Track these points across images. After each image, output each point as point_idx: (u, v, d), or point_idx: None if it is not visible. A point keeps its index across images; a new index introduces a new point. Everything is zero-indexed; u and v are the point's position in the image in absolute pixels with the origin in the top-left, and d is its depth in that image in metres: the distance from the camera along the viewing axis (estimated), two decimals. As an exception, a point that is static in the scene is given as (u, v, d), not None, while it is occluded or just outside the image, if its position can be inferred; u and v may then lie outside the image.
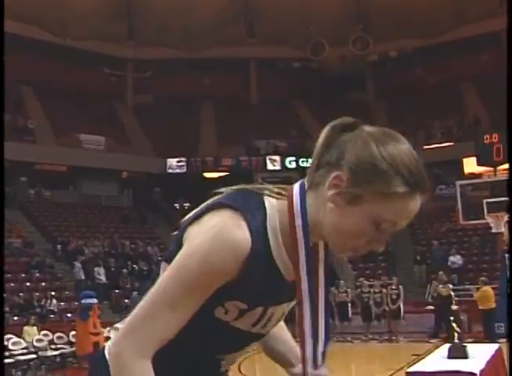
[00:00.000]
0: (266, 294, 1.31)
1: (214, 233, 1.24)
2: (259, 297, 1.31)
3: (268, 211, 1.32)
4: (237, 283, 1.27)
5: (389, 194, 1.21)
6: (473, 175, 21.64)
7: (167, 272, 1.30)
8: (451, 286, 11.34)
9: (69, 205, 23.46)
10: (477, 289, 15.60)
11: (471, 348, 7.00)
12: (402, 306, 15.96)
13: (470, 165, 22.98)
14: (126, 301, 17.08)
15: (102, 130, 25.35)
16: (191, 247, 1.27)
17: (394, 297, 16.01)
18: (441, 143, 26.59)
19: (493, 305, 13.00)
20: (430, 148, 26.51)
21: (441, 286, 15.47)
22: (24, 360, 11.72)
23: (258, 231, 1.27)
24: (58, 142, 24.46)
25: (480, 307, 14.03)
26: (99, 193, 24.84)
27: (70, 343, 12.96)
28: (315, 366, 1.42)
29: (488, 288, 14.08)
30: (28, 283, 17.10)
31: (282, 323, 1.61)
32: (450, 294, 15.35)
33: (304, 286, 1.32)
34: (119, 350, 1.26)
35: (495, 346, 7.97)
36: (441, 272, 16.29)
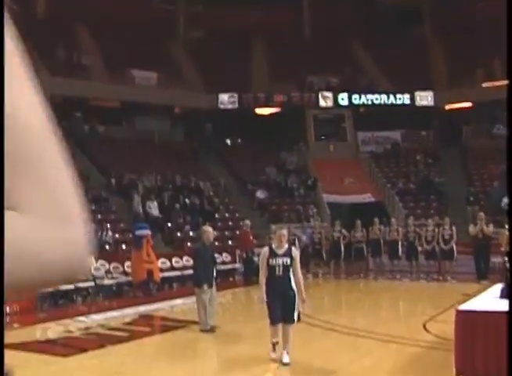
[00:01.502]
0: None
1: None
2: None
3: None
4: None
5: None
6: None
7: None
8: (507, 227, 11.08)
9: (122, 141, 23.82)
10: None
11: (524, 289, 6.93)
12: (455, 247, 15.81)
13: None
14: (178, 234, 17.48)
15: (154, 66, 25.36)
16: None
17: (447, 237, 15.86)
18: (500, 81, 25.63)
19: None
20: (489, 86, 25.63)
21: (484, 226, 15.27)
22: (84, 288, 12.26)
23: None
24: (111, 78, 24.64)
25: None
26: (151, 129, 25.10)
27: (125, 273, 13.45)
28: None
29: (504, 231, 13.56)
30: (85, 216, 17.62)
31: None
32: (491, 235, 15.15)
33: None
34: None
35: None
36: (481, 213, 16.04)
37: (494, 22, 25.50)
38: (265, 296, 6.89)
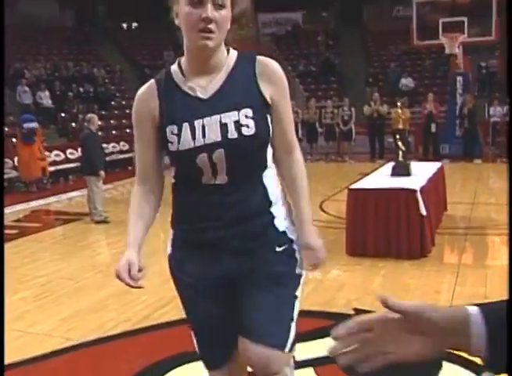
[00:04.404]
0: (180, 112, 1.92)
1: (135, 98, 2.03)
2: (177, 114, 1.93)
3: (172, 66, 2.01)
4: (162, 113, 1.95)
5: None
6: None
7: None
8: (399, 105, 11.21)
9: (6, 27, 21.86)
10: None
11: (414, 166, 7.06)
12: (353, 128, 16.02)
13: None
14: (73, 124, 16.66)
15: None
16: None
17: (346, 118, 15.98)
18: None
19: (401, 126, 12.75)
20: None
21: (380, 106, 15.53)
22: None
23: (161, 74, 2.00)
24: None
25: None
26: (38, 14, 23.16)
27: (15, 168, 12.74)
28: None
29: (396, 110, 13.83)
30: (-32, 108, 16.39)
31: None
32: (385, 115, 15.44)
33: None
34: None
35: (437, 164, 8.10)
36: (376, 94, 16.25)
37: None
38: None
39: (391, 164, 7.14)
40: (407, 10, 21.12)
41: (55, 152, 14.32)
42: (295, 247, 2.03)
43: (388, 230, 5.91)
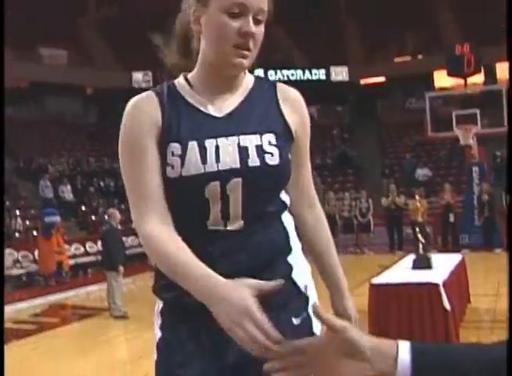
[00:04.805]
0: (187, 128, 1.50)
1: (126, 109, 1.55)
2: (182, 129, 1.51)
3: (175, 80, 1.64)
4: (163, 128, 1.51)
5: None
6: (443, 89, 21.40)
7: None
8: (418, 198, 11.31)
9: (32, 123, 22.74)
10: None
11: (435, 258, 7.01)
12: (371, 219, 16.07)
13: (441, 79, 22.70)
14: (93, 217, 16.90)
15: (63, 44, 24.28)
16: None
17: (364, 210, 16.07)
18: (412, 56, 26.20)
19: (419, 218, 12.83)
20: (401, 61, 26.15)
21: (396, 197, 15.65)
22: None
23: (159, 87, 1.60)
24: (16, 56, 23.40)
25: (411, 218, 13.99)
26: (63, 110, 24.10)
27: (36, 261, 12.85)
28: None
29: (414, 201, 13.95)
30: (-9, 203, 16.75)
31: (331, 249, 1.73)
32: (402, 206, 15.53)
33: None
34: (138, 227, 1.48)
35: (458, 257, 8.03)
36: (392, 185, 16.40)
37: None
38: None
39: (411, 257, 7.10)
40: (419, 102, 21.69)
41: (75, 245, 14.45)
42: (311, 314, 1.49)
43: (412, 326, 5.79)
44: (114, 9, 27.52)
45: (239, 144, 1.49)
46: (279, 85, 1.62)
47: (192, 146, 1.48)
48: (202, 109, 1.54)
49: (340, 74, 26.10)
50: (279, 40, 26.79)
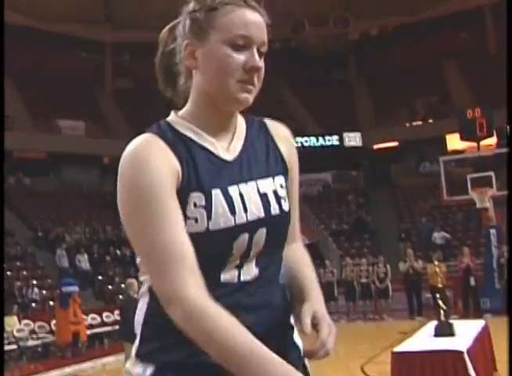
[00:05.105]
0: (207, 174, 1.32)
1: (132, 155, 1.36)
2: (201, 175, 1.32)
3: (168, 118, 1.42)
4: (183, 175, 1.30)
5: (217, 10, 1.33)
6: (456, 152, 21.54)
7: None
8: (436, 262, 11.22)
9: (49, 193, 23.08)
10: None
11: (458, 325, 6.88)
12: (389, 285, 15.88)
13: (454, 142, 22.86)
14: (110, 287, 16.85)
15: (81, 115, 24.91)
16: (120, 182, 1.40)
17: (381, 276, 15.91)
18: (424, 121, 26.51)
19: (439, 283, 12.69)
20: (414, 125, 26.45)
21: (414, 262, 15.51)
22: (4, 351, 11.47)
23: (158, 128, 1.37)
24: (36, 128, 24.01)
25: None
26: (80, 180, 24.46)
27: (52, 332, 12.74)
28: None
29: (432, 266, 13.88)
30: (9, 273, 16.80)
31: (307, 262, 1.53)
32: (421, 270, 15.38)
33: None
34: (175, 297, 1.21)
35: (481, 323, 7.88)
36: (409, 250, 16.28)
37: (416, 65, 26.52)
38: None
39: (432, 324, 6.97)
40: (433, 166, 21.81)
41: (92, 315, 14.34)
42: None
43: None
44: (128, 81, 28.33)
45: (258, 190, 1.36)
46: (268, 123, 1.51)
47: (217, 194, 1.31)
48: (214, 151, 1.37)
49: (353, 139, 26.40)
50: (292, 108, 27.34)
